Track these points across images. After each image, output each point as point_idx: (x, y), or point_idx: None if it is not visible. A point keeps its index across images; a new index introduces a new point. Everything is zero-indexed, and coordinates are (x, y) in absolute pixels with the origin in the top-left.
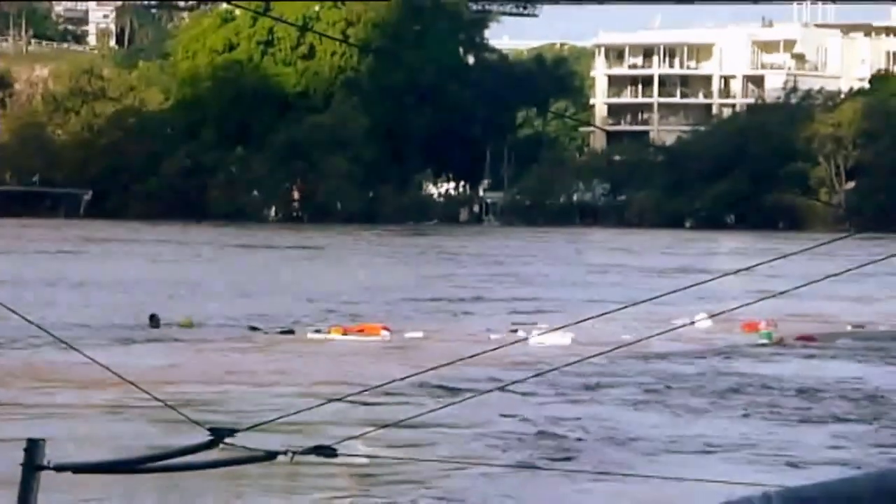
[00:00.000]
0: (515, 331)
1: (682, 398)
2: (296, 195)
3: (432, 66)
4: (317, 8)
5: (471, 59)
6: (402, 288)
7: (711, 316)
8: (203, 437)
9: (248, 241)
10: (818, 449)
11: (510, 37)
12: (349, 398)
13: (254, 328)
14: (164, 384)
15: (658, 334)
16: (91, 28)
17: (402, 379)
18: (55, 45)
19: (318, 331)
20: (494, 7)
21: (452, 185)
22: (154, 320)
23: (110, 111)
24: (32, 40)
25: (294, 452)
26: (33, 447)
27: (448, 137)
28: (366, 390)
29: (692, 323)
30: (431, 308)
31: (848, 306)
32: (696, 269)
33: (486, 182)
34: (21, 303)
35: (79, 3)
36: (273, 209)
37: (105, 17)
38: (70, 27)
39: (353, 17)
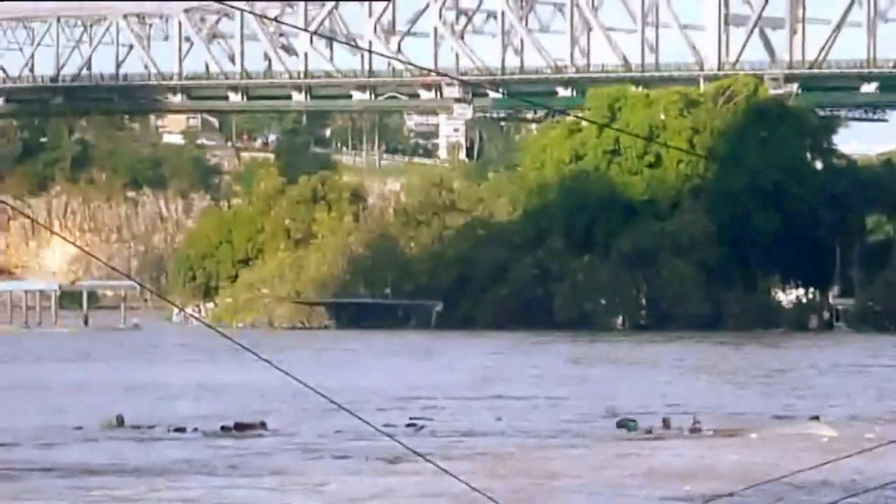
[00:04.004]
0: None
1: None
2: (642, 301)
3: (778, 171)
4: (662, 117)
5: (818, 164)
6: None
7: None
8: None
9: (586, 353)
10: None
11: (858, 142)
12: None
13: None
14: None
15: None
16: (441, 141)
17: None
18: (406, 158)
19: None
20: (842, 112)
21: (801, 290)
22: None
23: (460, 223)
24: (385, 154)
25: None
26: None
27: (795, 242)
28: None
29: None
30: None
31: None
32: None
33: (835, 288)
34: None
35: (429, 118)
36: (619, 316)
37: (455, 130)
38: (420, 141)
39: (699, 125)
